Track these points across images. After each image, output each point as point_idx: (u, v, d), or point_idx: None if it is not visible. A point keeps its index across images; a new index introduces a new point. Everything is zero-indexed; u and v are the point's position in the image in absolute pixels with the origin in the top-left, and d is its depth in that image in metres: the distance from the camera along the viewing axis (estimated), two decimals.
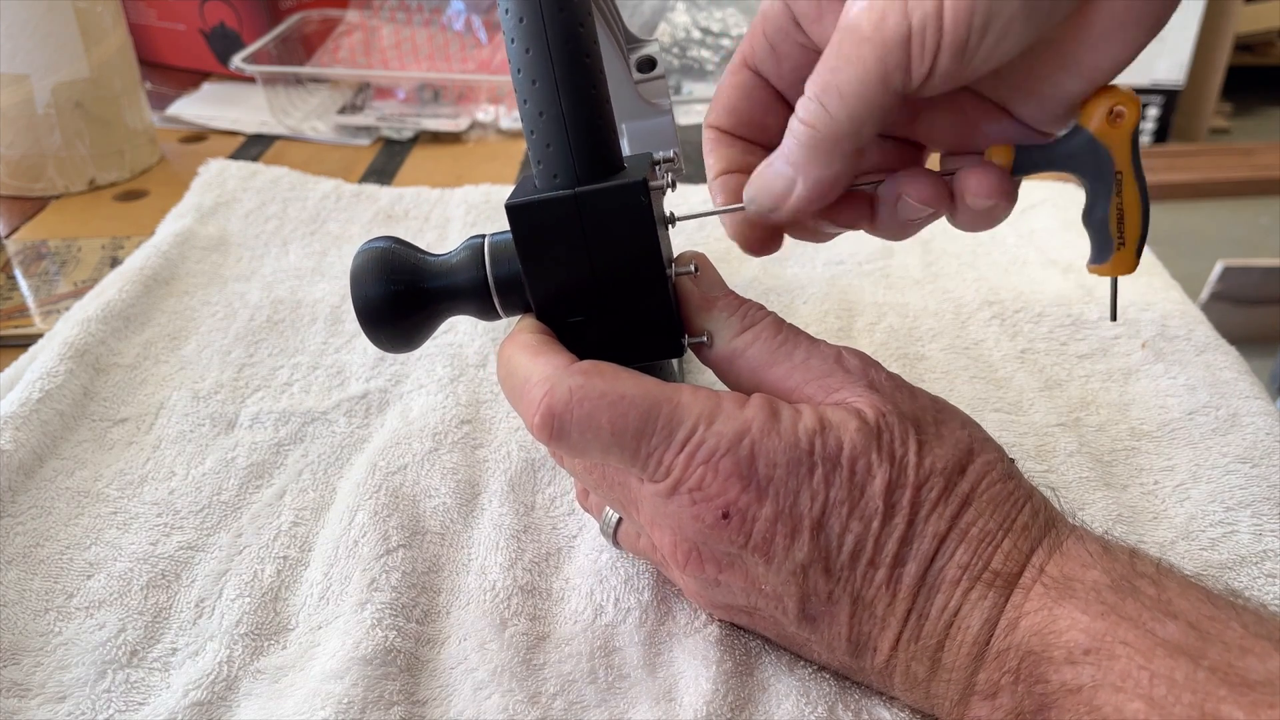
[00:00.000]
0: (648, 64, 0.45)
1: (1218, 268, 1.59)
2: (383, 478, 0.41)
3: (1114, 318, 0.34)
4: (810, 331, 0.33)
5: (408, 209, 0.65)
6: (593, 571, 0.37)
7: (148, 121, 0.75)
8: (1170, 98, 2.36)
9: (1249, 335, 1.49)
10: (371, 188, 0.68)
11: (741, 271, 0.57)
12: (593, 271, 0.31)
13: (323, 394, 0.48)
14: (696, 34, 0.89)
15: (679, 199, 0.64)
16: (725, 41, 0.89)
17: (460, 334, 0.51)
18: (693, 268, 0.33)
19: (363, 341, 0.51)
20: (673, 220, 0.34)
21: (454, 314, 0.34)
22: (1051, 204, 0.63)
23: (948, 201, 0.33)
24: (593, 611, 0.36)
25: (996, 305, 0.53)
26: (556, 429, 0.30)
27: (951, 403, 0.32)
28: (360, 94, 0.85)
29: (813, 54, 0.34)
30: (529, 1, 0.30)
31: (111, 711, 0.32)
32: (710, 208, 0.35)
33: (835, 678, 0.33)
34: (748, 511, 0.29)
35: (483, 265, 0.33)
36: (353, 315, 0.37)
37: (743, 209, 0.34)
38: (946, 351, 0.49)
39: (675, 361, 0.40)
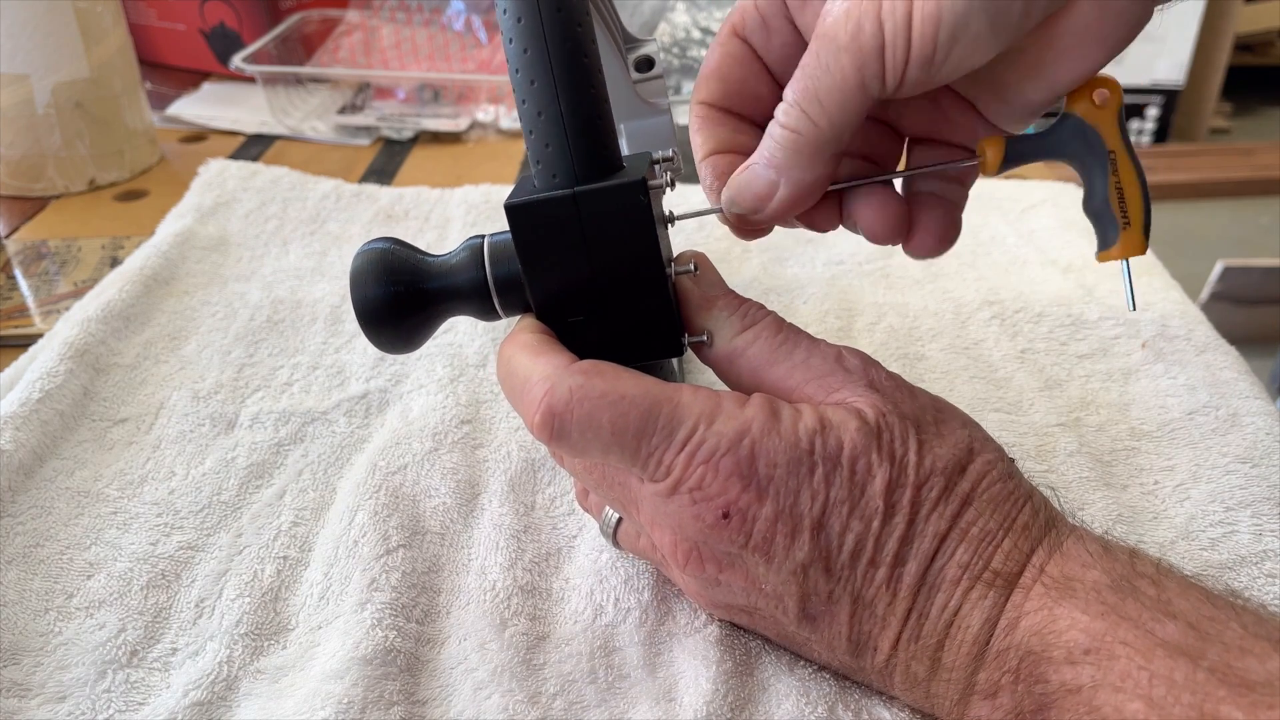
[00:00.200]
0: (646, 63, 0.45)
1: (1218, 268, 1.59)
2: (383, 478, 0.41)
3: (1133, 306, 0.33)
4: (810, 331, 0.33)
5: (408, 209, 0.65)
6: (593, 571, 0.37)
7: (148, 121, 0.75)
8: (1170, 98, 2.36)
9: (1249, 335, 1.49)
10: (371, 188, 0.68)
11: (741, 271, 0.57)
12: (592, 271, 0.31)
13: (323, 394, 0.48)
14: (696, 34, 0.90)
15: (678, 198, 0.64)
16: None
17: (460, 334, 0.51)
18: (692, 267, 0.33)
19: (363, 341, 0.51)
20: (672, 219, 0.34)
21: (454, 314, 0.34)
22: (1051, 204, 0.63)
23: (904, 228, 0.34)
24: (593, 611, 0.36)
25: (996, 305, 0.53)
26: (557, 429, 0.30)
27: (951, 403, 0.32)
28: (360, 94, 0.85)
29: (800, 37, 0.35)
30: (527, 1, 0.30)
31: (111, 711, 0.32)
32: (694, 204, 0.36)
33: (835, 678, 0.33)
34: (748, 511, 0.29)
35: (482, 265, 0.33)
36: (353, 315, 0.37)
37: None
38: (946, 351, 0.49)
39: (675, 361, 0.40)
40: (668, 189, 0.33)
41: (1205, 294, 1.60)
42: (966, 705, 0.29)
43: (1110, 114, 0.31)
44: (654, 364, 0.35)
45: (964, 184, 0.36)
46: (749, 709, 0.32)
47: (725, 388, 0.33)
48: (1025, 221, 0.62)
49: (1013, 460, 0.31)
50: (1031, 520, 0.29)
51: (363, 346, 0.51)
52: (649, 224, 0.31)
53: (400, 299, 0.33)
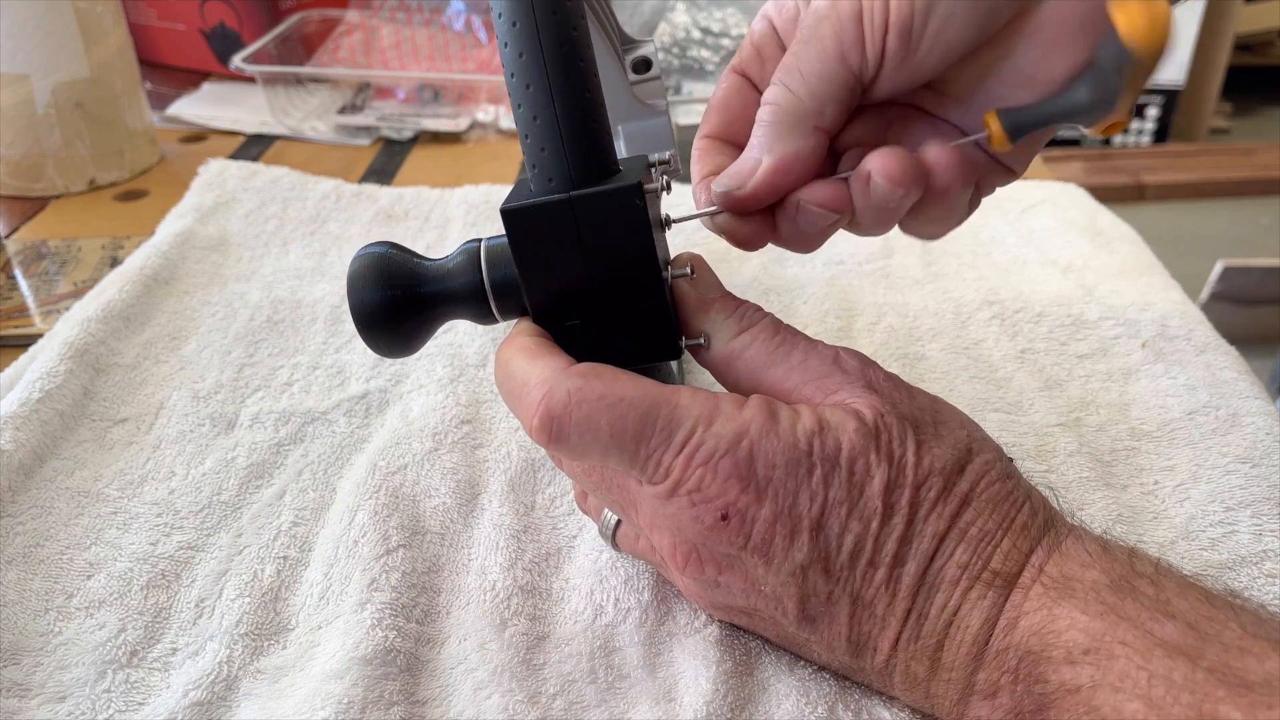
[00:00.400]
0: (643, 65, 0.45)
1: (1218, 268, 1.59)
2: (383, 478, 0.41)
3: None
4: (810, 331, 0.33)
5: (408, 209, 0.65)
6: (593, 571, 0.37)
7: (148, 121, 0.75)
8: (1170, 98, 2.36)
9: (1249, 335, 1.49)
10: (371, 188, 0.68)
11: (741, 272, 0.57)
12: (589, 275, 0.31)
13: (323, 394, 0.48)
14: (696, 34, 0.89)
15: (676, 201, 0.64)
16: (725, 41, 0.89)
17: (460, 334, 0.51)
18: (689, 269, 0.33)
19: (363, 342, 0.51)
20: (669, 222, 0.34)
21: (451, 318, 0.34)
22: (1051, 204, 0.63)
23: (846, 204, 0.33)
24: (593, 611, 0.36)
25: (996, 305, 0.53)
26: (555, 431, 0.30)
27: (951, 403, 0.32)
28: (360, 94, 0.85)
29: None
30: (522, 5, 0.30)
31: (111, 711, 0.32)
32: (692, 204, 0.36)
33: (835, 678, 0.33)
34: (747, 513, 0.29)
35: (479, 269, 0.33)
36: None
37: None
38: (946, 351, 0.49)
39: (675, 363, 0.40)
40: (665, 192, 0.33)
41: (1205, 294, 1.60)
42: (966, 705, 0.29)
43: (1156, 38, 0.29)
44: (652, 366, 0.35)
45: (1010, 169, 0.36)
46: (749, 709, 0.32)
47: (723, 390, 0.33)
48: (1025, 221, 0.62)
49: (1011, 460, 0.31)
50: (1030, 520, 0.29)
51: (363, 346, 0.51)
52: (645, 227, 0.31)
53: (397, 303, 0.33)
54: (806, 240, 0.35)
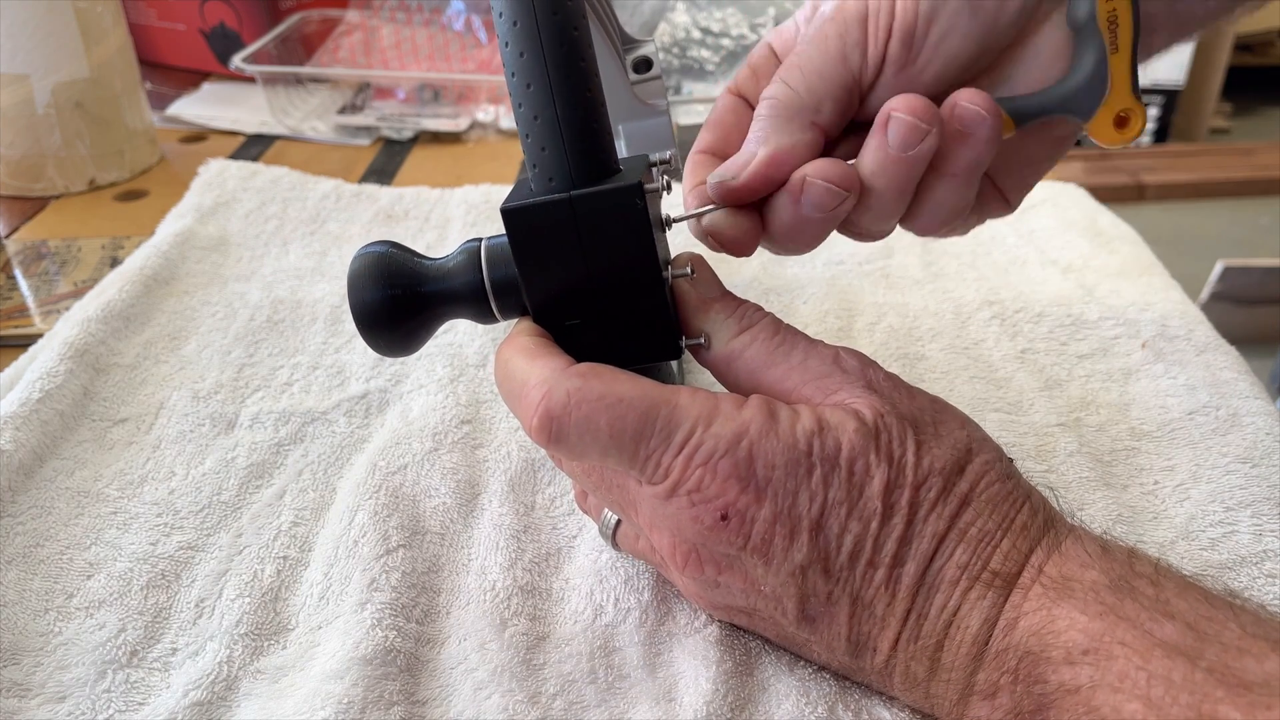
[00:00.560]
0: (644, 64, 0.45)
1: (1218, 268, 1.59)
2: (383, 478, 0.41)
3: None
4: (810, 331, 0.33)
5: (408, 209, 0.65)
6: (593, 571, 0.37)
7: (148, 121, 0.75)
8: (1170, 98, 2.36)
9: (1249, 335, 1.49)
10: (371, 188, 0.68)
11: (741, 272, 0.57)
12: (589, 275, 0.31)
13: (323, 394, 0.48)
14: (696, 34, 0.89)
15: (676, 200, 0.64)
16: (725, 41, 0.89)
17: (460, 334, 0.51)
18: (689, 269, 0.33)
19: (363, 342, 0.51)
20: (669, 222, 0.34)
21: (451, 318, 0.34)
22: (1051, 204, 0.63)
23: (855, 181, 0.33)
24: (593, 611, 0.36)
25: (996, 305, 0.53)
26: (555, 432, 0.30)
27: (951, 403, 0.32)
28: (360, 94, 0.85)
29: None
30: (522, 5, 0.30)
31: (111, 711, 0.32)
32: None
33: (835, 678, 0.33)
34: (746, 513, 0.29)
35: (479, 269, 0.33)
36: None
37: (721, 209, 0.34)
38: (946, 351, 0.49)
39: (675, 363, 0.40)
40: (665, 192, 0.33)
41: (1205, 294, 1.60)
42: (966, 705, 0.29)
43: None
44: (653, 366, 0.35)
45: (1007, 200, 0.37)
46: (749, 709, 0.32)
47: (723, 390, 0.33)
48: (1025, 221, 0.62)
49: (1011, 460, 0.31)
50: (1030, 520, 0.29)
51: (363, 346, 0.51)
52: (645, 227, 0.31)
53: (397, 302, 0.33)
54: (804, 230, 0.34)
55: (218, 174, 0.68)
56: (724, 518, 0.29)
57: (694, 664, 0.33)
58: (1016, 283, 0.55)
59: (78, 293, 0.57)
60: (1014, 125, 0.33)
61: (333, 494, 0.42)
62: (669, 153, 0.35)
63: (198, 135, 0.82)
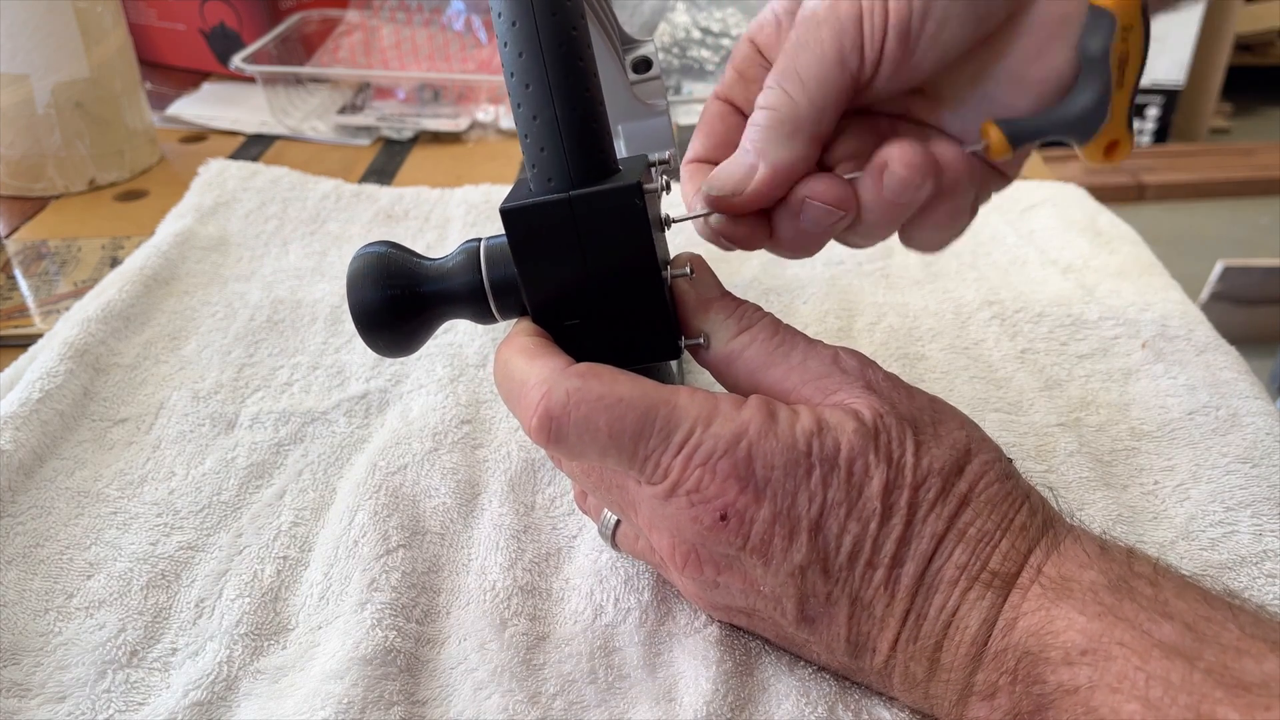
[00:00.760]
0: (643, 64, 0.45)
1: (1218, 268, 1.59)
2: (383, 478, 0.41)
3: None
4: (810, 332, 0.33)
5: (408, 209, 0.65)
6: (593, 571, 0.37)
7: (148, 121, 0.75)
8: (1170, 98, 2.36)
9: (1249, 335, 1.49)
10: (371, 188, 0.68)
11: (741, 272, 0.57)
12: (588, 275, 0.31)
13: (323, 394, 0.48)
14: (696, 34, 0.90)
15: (676, 200, 0.64)
16: (725, 41, 0.89)
17: (460, 334, 0.51)
18: (689, 269, 0.33)
19: (362, 342, 0.51)
20: (668, 222, 0.34)
21: (450, 318, 0.34)
22: (1051, 204, 0.63)
23: (853, 202, 0.33)
24: (593, 611, 0.36)
25: (996, 305, 0.53)
26: (554, 432, 0.30)
27: (951, 403, 0.32)
28: (360, 94, 0.85)
29: None
30: (521, 5, 0.30)
31: (111, 711, 0.32)
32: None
33: (835, 678, 0.33)
34: (745, 513, 0.29)
35: (478, 269, 0.33)
36: None
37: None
38: (946, 351, 0.49)
39: (674, 363, 0.40)
40: (664, 192, 0.33)
41: (1205, 294, 1.60)
42: (965, 706, 0.29)
43: (1131, 1, 0.31)
44: (652, 366, 0.35)
45: (1004, 174, 0.36)
46: (749, 709, 0.32)
47: (723, 390, 0.33)
48: (1025, 221, 0.62)
49: (1010, 460, 0.31)
50: (1029, 521, 0.29)
51: (363, 346, 0.51)
52: (644, 227, 0.31)
53: (397, 302, 0.33)
54: (804, 243, 0.34)
55: (218, 174, 0.68)
56: (723, 518, 0.29)
57: (694, 664, 0.33)
58: (1016, 283, 0.55)
59: (78, 293, 0.57)
60: (1011, 149, 0.33)
61: (333, 494, 0.42)
62: (668, 153, 0.35)
63: (198, 135, 0.82)
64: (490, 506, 0.40)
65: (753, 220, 0.34)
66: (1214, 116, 2.49)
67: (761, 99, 0.33)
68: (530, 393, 0.30)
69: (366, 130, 0.80)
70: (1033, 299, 0.53)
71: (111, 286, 0.54)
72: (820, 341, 0.33)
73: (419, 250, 0.36)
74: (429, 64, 0.86)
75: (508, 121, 0.81)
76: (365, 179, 0.72)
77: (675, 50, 0.88)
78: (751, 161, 0.33)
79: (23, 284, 0.59)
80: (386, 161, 0.76)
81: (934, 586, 0.29)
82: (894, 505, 0.29)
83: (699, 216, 0.35)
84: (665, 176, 0.34)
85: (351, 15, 0.90)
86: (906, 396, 0.31)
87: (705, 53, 0.88)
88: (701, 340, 0.33)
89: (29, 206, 0.69)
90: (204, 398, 0.47)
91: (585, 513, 0.38)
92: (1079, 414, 0.45)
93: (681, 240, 0.59)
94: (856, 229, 0.34)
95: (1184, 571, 0.28)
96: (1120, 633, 0.26)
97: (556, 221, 0.31)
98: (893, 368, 0.38)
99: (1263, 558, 0.36)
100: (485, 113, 0.82)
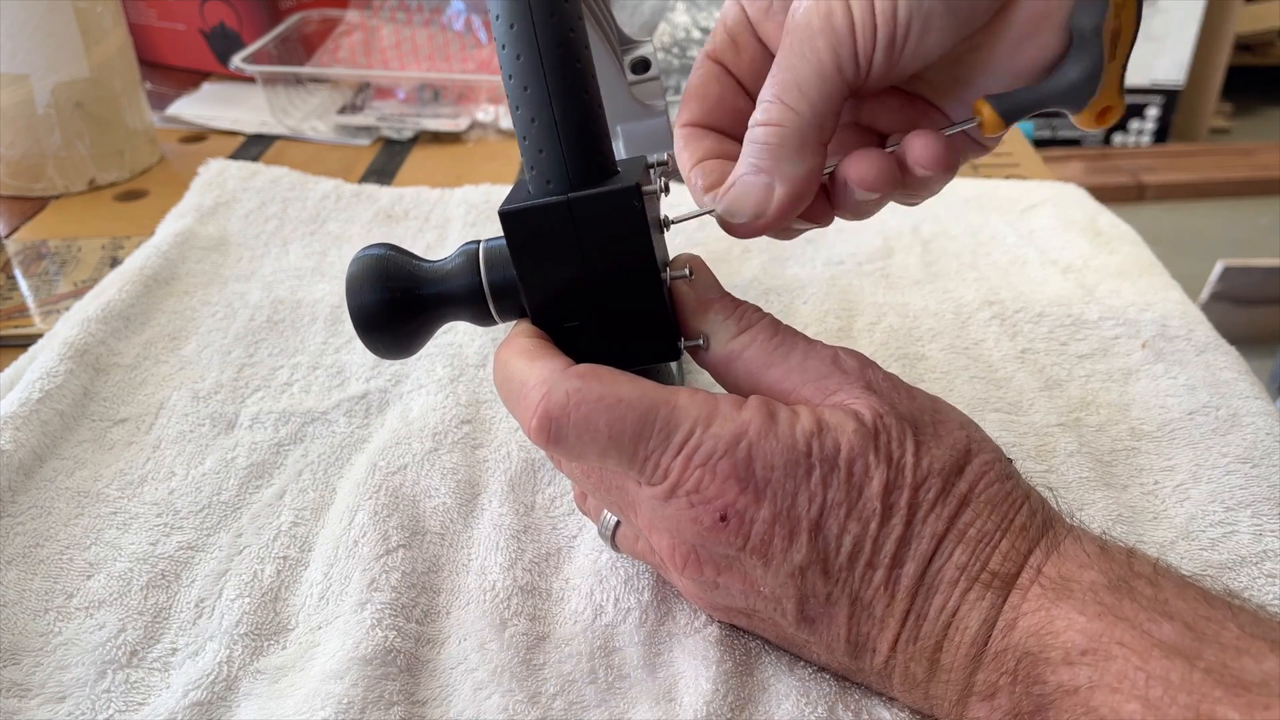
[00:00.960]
0: (642, 65, 0.45)
1: (1218, 268, 1.59)
2: (383, 478, 0.41)
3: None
4: (810, 331, 0.33)
5: (408, 209, 0.65)
6: (593, 571, 0.37)
7: (148, 121, 0.75)
8: (1170, 98, 2.36)
9: (1249, 335, 1.49)
10: (371, 188, 0.68)
11: (741, 272, 0.57)
12: (587, 276, 0.31)
13: (323, 394, 0.48)
14: (696, 34, 0.90)
15: (675, 201, 0.64)
16: None
17: (460, 334, 0.51)
18: (688, 271, 0.33)
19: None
20: (667, 224, 0.34)
21: (450, 320, 0.34)
22: (1051, 204, 0.63)
23: (897, 180, 0.34)
24: (593, 611, 0.36)
25: (996, 305, 0.53)
26: (554, 433, 0.30)
27: (951, 403, 0.32)
28: (360, 94, 0.85)
29: (766, 50, 0.37)
30: (519, 7, 0.30)
31: (111, 711, 0.32)
32: (691, 204, 0.36)
33: (835, 678, 0.33)
34: (745, 514, 0.29)
35: (478, 271, 0.33)
36: None
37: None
38: (946, 351, 0.49)
39: (674, 364, 0.40)
40: (663, 193, 0.33)
41: (1205, 294, 1.60)
42: (965, 706, 0.29)
43: None
44: (652, 368, 0.35)
45: (980, 144, 0.37)
46: (749, 709, 0.32)
47: (723, 391, 0.33)
48: (1025, 221, 0.62)
49: (1010, 461, 0.31)
50: (1029, 521, 0.29)
51: (363, 347, 0.51)
52: (643, 229, 0.31)
53: (396, 305, 0.33)
54: (860, 210, 0.36)
55: (218, 174, 0.68)
56: (723, 519, 0.29)
57: (694, 664, 0.33)
58: (1016, 283, 0.55)
59: (78, 293, 0.57)
60: (1004, 125, 0.33)
61: (333, 494, 0.42)
62: (667, 154, 0.35)
63: (198, 135, 0.82)
64: (490, 506, 0.40)
65: None
66: (1214, 116, 2.49)
67: (761, 115, 0.32)
68: (530, 394, 0.30)
69: (366, 130, 0.80)
70: (1033, 299, 0.53)
71: (111, 286, 0.54)
72: (820, 342, 0.33)
73: (419, 251, 0.36)
74: (429, 64, 0.86)
75: (508, 122, 0.81)
76: (365, 179, 0.72)
77: (675, 50, 0.88)
78: (766, 182, 0.32)
79: (23, 284, 0.59)
80: (386, 161, 0.76)
81: (934, 587, 0.29)
82: (894, 505, 0.29)
83: (699, 215, 0.35)
84: (664, 178, 0.34)
85: (351, 15, 0.90)
86: (906, 397, 0.31)
87: None
88: (701, 341, 0.33)
89: (29, 206, 0.69)
90: (204, 398, 0.47)
91: (585, 514, 0.38)
92: (1079, 414, 0.45)
93: (681, 240, 0.59)
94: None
95: (1184, 571, 0.28)
96: (1120, 632, 0.26)
97: (555, 224, 0.31)
98: (893, 368, 0.38)
99: (1263, 558, 0.36)
100: (485, 113, 0.82)
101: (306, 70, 0.83)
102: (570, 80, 0.30)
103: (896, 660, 0.30)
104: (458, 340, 0.51)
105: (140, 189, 0.72)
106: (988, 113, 0.33)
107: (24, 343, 0.52)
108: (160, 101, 0.85)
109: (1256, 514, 0.38)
